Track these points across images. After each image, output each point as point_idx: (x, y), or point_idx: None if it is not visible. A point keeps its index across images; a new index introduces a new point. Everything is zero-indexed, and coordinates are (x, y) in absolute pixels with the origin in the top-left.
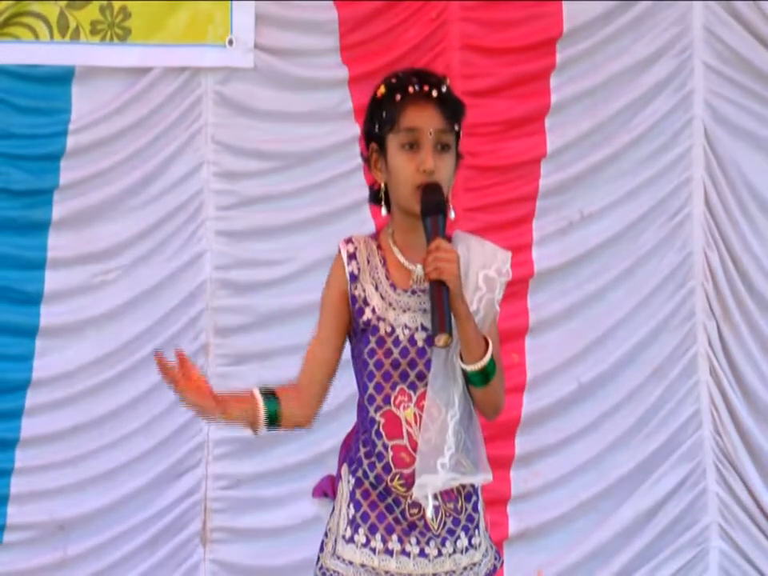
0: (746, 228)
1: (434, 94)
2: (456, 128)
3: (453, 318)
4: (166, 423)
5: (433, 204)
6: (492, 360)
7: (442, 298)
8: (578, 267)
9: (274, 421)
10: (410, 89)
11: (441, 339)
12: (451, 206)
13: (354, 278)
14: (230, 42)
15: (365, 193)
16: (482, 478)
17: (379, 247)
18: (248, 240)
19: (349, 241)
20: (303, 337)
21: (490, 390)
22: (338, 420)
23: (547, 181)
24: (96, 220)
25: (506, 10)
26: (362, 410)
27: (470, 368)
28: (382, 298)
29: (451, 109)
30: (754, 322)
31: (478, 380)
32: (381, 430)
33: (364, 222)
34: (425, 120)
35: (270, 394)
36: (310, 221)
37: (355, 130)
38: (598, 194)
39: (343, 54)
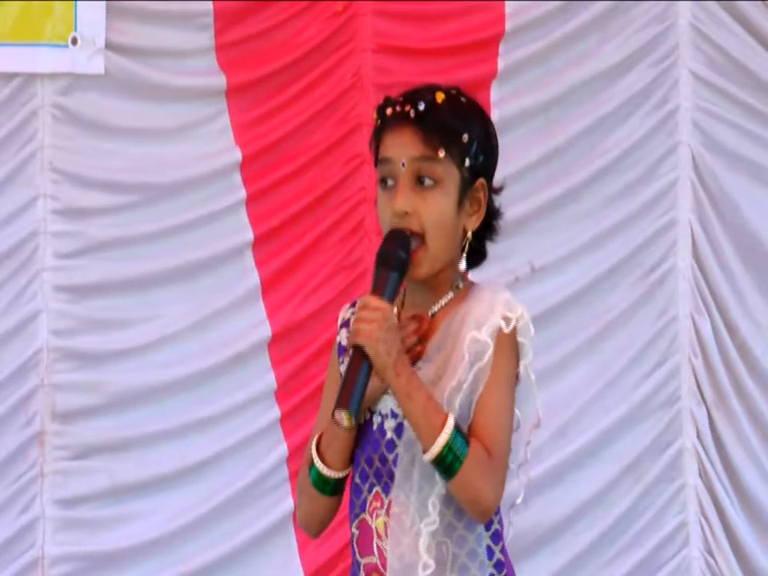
0: (747, 286)
1: (412, 113)
2: (442, 154)
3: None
4: None
5: (386, 255)
6: (450, 444)
7: (358, 368)
8: None
9: None
10: (389, 110)
11: (339, 418)
12: (463, 258)
13: (341, 350)
14: (74, 41)
15: (246, 235)
16: None
17: None
18: (96, 296)
19: (353, 304)
20: (169, 422)
21: (460, 481)
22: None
23: None
24: None
25: (431, 3)
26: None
27: (426, 457)
28: None
29: (439, 129)
30: (755, 409)
31: (440, 471)
32: (355, 544)
33: (246, 271)
34: (397, 148)
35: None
36: (177, 271)
37: (235, 154)
38: (553, 240)
39: (219, 57)
